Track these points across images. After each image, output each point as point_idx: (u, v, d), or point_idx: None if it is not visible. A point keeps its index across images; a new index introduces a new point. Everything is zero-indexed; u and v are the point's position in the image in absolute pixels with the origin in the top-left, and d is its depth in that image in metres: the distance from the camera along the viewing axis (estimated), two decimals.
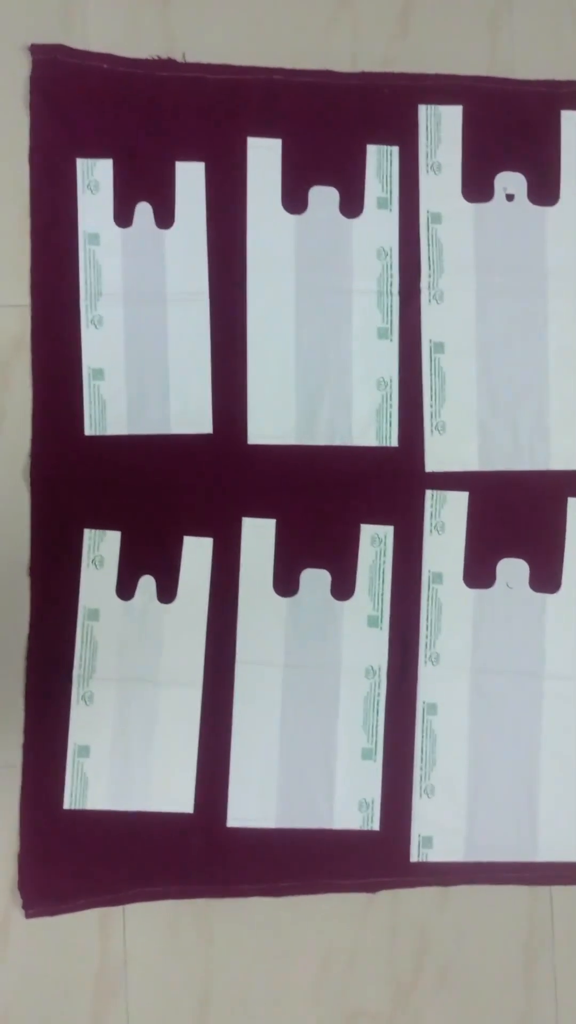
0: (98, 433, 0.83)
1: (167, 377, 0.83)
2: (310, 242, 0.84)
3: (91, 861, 0.82)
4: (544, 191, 0.86)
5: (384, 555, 0.85)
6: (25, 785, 0.82)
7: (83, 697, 0.83)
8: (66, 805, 0.82)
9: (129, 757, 0.83)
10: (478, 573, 0.86)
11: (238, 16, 0.86)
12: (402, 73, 0.86)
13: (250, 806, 0.84)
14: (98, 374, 0.83)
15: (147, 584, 0.83)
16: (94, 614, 0.83)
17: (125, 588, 0.83)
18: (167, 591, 0.83)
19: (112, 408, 0.83)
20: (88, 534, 0.83)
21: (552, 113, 0.87)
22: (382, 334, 0.85)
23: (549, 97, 0.88)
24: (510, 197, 0.86)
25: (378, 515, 0.84)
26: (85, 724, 0.83)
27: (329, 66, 0.85)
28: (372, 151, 0.85)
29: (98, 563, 0.83)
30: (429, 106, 0.85)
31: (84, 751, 0.83)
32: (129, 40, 0.85)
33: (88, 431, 0.83)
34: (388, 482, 0.85)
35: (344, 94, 0.85)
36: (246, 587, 0.84)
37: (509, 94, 0.87)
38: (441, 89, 0.85)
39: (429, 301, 0.85)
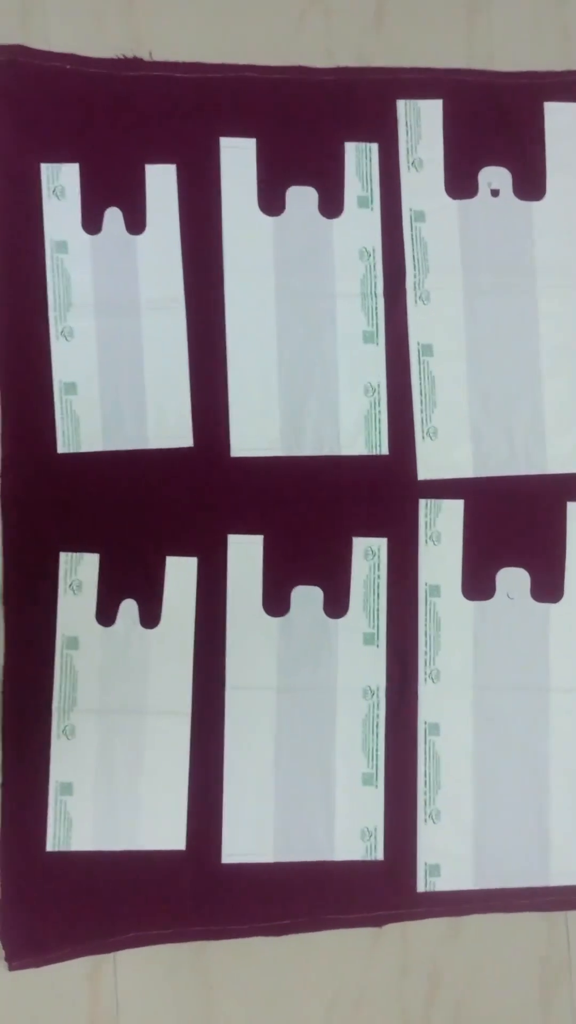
0: (72, 450, 0.77)
1: (143, 389, 0.77)
2: (289, 244, 0.79)
3: (78, 906, 0.75)
4: (530, 185, 0.81)
5: (378, 569, 0.80)
6: (4, 827, 0.75)
7: (64, 731, 0.76)
8: (49, 847, 0.76)
9: (115, 793, 0.77)
10: (477, 584, 0.80)
11: (206, 12, 0.80)
12: (379, 67, 0.80)
13: (246, 840, 0.77)
14: (70, 388, 0.78)
15: (129, 609, 0.77)
16: (73, 642, 0.77)
17: (105, 613, 0.77)
18: (150, 615, 0.77)
19: (86, 424, 0.77)
20: (64, 558, 0.77)
21: (535, 105, 0.82)
22: (368, 338, 0.80)
23: (531, 88, 0.83)
24: (495, 192, 0.81)
25: (370, 527, 0.79)
26: (67, 759, 0.76)
27: (302, 62, 0.80)
28: (351, 149, 0.79)
29: (76, 588, 0.77)
30: (408, 101, 0.80)
31: (66, 788, 0.76)
32: (92, 39, 0.79)
33: (61, 448, 0.77)
34: (380, 492, 0.79)
35: (319, 90, 0.79)
36: (234, 608, 0.78)
37: (490, 86, 0.82)
38: (419, 83, 0.80)
39: (415, 302, 0.80)
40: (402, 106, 0.80)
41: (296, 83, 0.79)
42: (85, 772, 0.76)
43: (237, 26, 0.80)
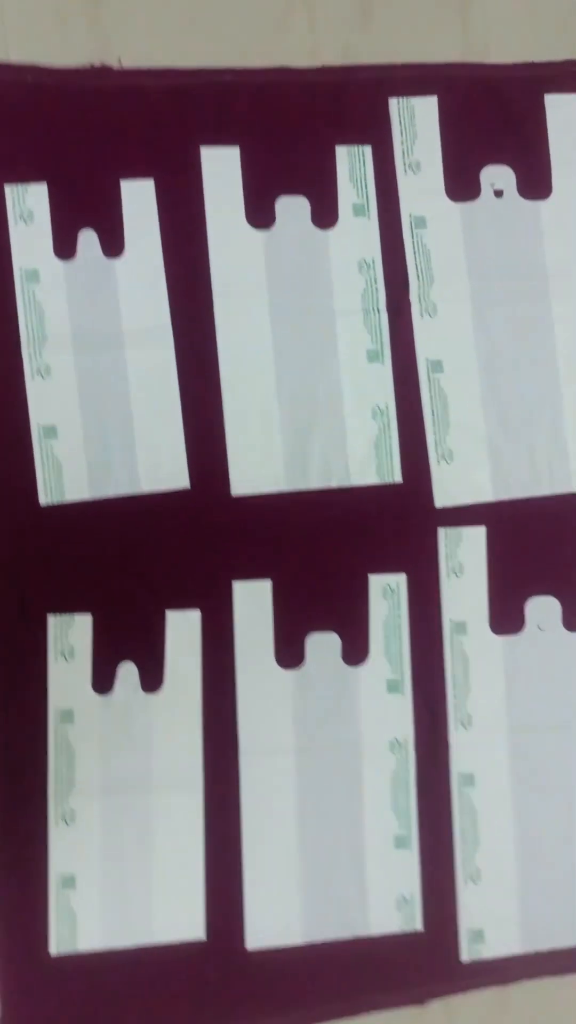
0: (55, 501, 0.68)
1: (132, 428, 0.68)
2: (282, 259, 0.71)
3: (88, 1014, 0.64)
4: (535, 183, 0.74)
5: (398, 608, 0.71)
6: (1, 932, 0.65)
7: (63, 816, 0.66)
8: (53, 950, 0.65)
9: (124, 883, 0.66)
10: (505, 617, 0.71)
11: (180, 14, 0.72)
12: (368, 65, 0.71)
13: (272, 922, 0.67)
14: (50, 432, 0.68)
15: (128, 672, 0.67)
16: (67, 715, 0.67)
17: (102, 680, 0.67)
18: (152, 678, 0.67)
19: (70, 470, 0.68)
20: (53, 621, 0.67)
21: (535, 98, 0.75)
22: (372, 357, 0.71)
23: (530, 81, 0.75)
24: (499, 193, 0.74)
25: (387, 562, 0.70)
26: (68, 849, 0.65)
27: (286, 62, 0.71)
28: (342, 153, 0.72)
29: (67, 654, 0.67)
30: (401, 99, 0.73)
31: (69, 881, 0.65)
32: (55, 48, 0.70)
33: (43, 500, 0.68)
34: (395, 523, 0.71)
35: (305, 92, 0.72)
36: (244, 662, 0.68)
37: (487, 80, 0.75)
38: (412, 80, 0.71)
39: (421, 315, 0.72)
40: (395, 104, 0.73)
41: (280, 85, 0.72)
42: (89, 861, 0.65)
43: (213, 27, 0.73)
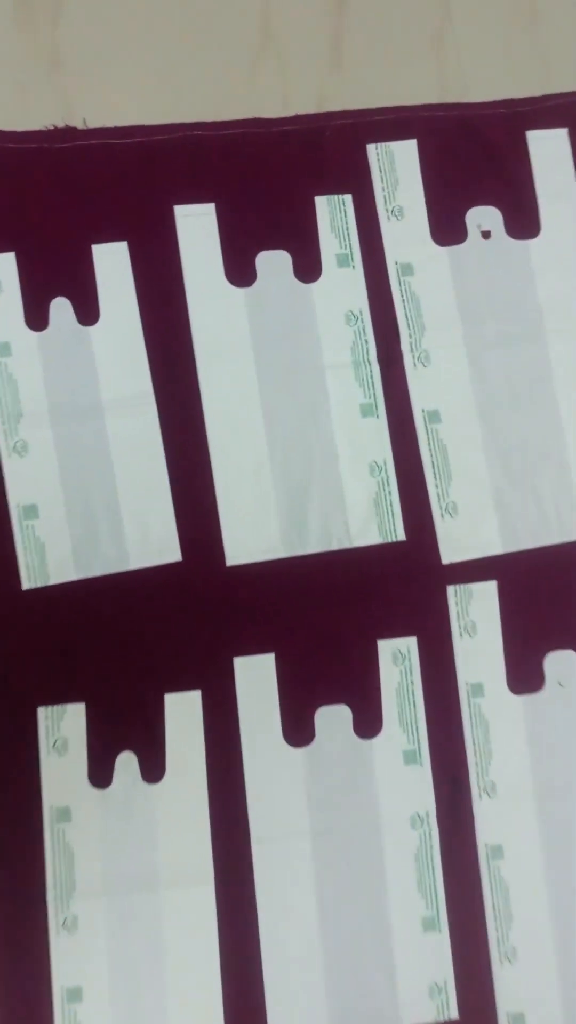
0: (39, 584, 0.64)
1: (117, 501, 0.65)
2: (266, 317, 0.68)
3: None
4: (523, 222, 0.71)
5: (410, 673, 0.67)
6: None
7: (64, 924, 0.61)
8: None
9: (135, 992, 0.60)
10: (523, 675, 0.67)
11: (144, 69, 0.70)
12: (342, 111, 0.69)
13: (296, 1019, 0.63)
14: (30, 512, 0.64)
15: (127, 763, 0.62)
16: (64, 814, 0.62)
17: (99, 773, 0.62)
18: (153, 767, 0.62)
19: (53, 551, 0.64)
20: (43, 713, 0.62)
21: (516, 135, 0.72)
22: (366, 411, 0.68)
23: (510, 118, 0.73)
24: (486, 235, 0.71)
25: (396, 626, 0.66)
26: (72, 959, 0.60)
27: (258, 113, 0.69)
28: (322, 203, 0.69)
29: (61, 748, 0.63)
30: (379, 144, 0.70)
31: (75, 995, 0.60)
32: (15, 110, 0.67)
33: (27, 584, 0.64)
34: (401, 584, 0.67)
35: (280, 143, 0.69)
36: (250, 742, 0.64)
37: (466, 120, 0.72)
38: (389, 124, 0.69)
39: (415, 365, 0.69)
40: (373, 150, 0.71)
41: (253, 137, 0.69)
42: (96, 971, 0.60)
43: (181, 81, 0.70)
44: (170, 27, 0.71)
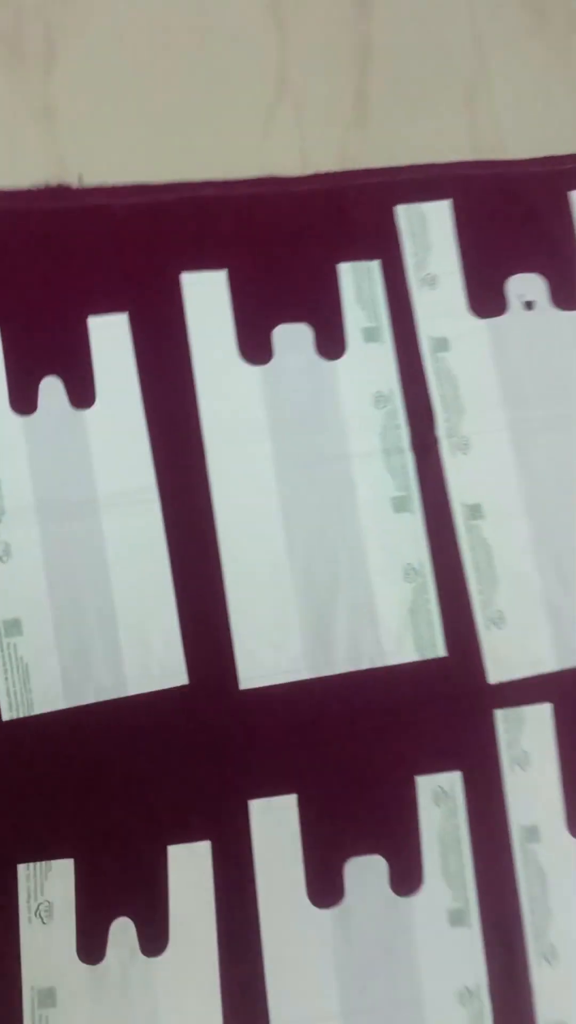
0: (22, 714, 0.55)
1: (114, 615, 0.56)
2: (284, 399, 0.61)
3: None
4: (569, 291, 0.65)
5: (455, 815, 0.58)
6: None
7: None
8: None
9: None
10: None
11: (146, 119, 0.63)
12: (367, 169, 0.64)
13: None
14: (12, 628, 0.56)
15: (123, 932, 0.53)
16: (48, 995, 0.52)
17: (90, 945, 0.52)
18: (153, 936, 0.53)
19: (39, 675, 0.55)
20: (24, 872, 0.53)
21: (559, 195, 0.67)
22: (399, 505, 0.61)
23: (552, 176, 0.68)
24: (529, 305, 0.65)
25: (437, 759, 0.58)
26: None
27: (273, 171, 0.63)
28: (346, 270, 0.63)
29: (45, 914, 0.53)
30: (409, 205, 0.65)
31: None
32: (4, 167, 0.63)
33: (7, 714, 0.55)
34: (442, 709, 0.59)
35: (298, 204, 0.64)
36: (269, 903, 0.55)
37: (504, 179, 0.67)
38: (419, 183, 0.64)
39: (452, 453, 0.63)
40: (403, 212, 0.65)
41: (269, 197, 0.63)
42: None
43: (188, 134, 0.64)
44: (175, 74, 0.65)
